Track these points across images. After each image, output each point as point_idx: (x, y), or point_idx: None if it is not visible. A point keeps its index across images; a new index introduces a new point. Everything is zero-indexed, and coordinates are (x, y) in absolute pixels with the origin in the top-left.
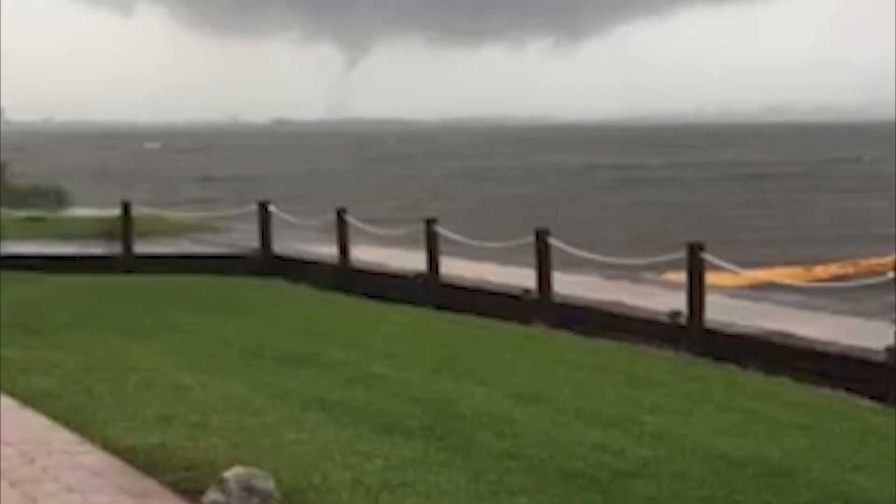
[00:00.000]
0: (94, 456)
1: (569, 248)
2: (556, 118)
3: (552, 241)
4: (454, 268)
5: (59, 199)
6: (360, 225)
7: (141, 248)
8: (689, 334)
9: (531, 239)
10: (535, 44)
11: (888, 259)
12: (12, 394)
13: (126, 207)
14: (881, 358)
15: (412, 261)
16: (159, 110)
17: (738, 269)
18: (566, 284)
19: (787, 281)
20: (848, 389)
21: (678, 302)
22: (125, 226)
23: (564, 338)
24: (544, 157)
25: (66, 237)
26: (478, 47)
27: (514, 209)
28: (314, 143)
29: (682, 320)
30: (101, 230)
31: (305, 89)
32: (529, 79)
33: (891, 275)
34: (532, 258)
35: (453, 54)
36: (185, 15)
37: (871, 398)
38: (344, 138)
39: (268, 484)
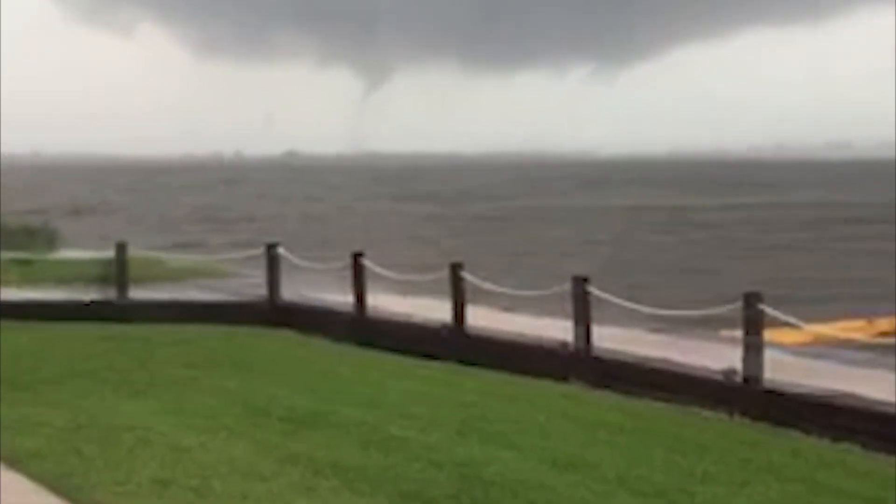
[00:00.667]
0: None
1: (612, 298)
2: (599, 152)
3: (593, 289)
4: (482, 318)
5: (50, 239)
6: (378, 270)
7: (137, 293)
8: (746, 395)
9: (568, 287)
10: (577, 70)
11: None
12: None
13: (121, 249)
14: None
15: (436, 310)
16: (156, 142)
17: (800, 324)
18: (608, 338)
19: (852, 335)
20: None
21: (733, 359)
22: (120, 269)
23: (605, 397)
24: (586, 197)
25: (56, 281)
26: (513, 74)
27: (552, 254)
28: (330, 178)
29: (738, 379)
30: (94, 274)
31: (321, 119)
32: (570, 108)
33: None
34: (570, 308)
35: (485, 82)
36: (187, 38)
37: None
38: (363, 173)
39: None
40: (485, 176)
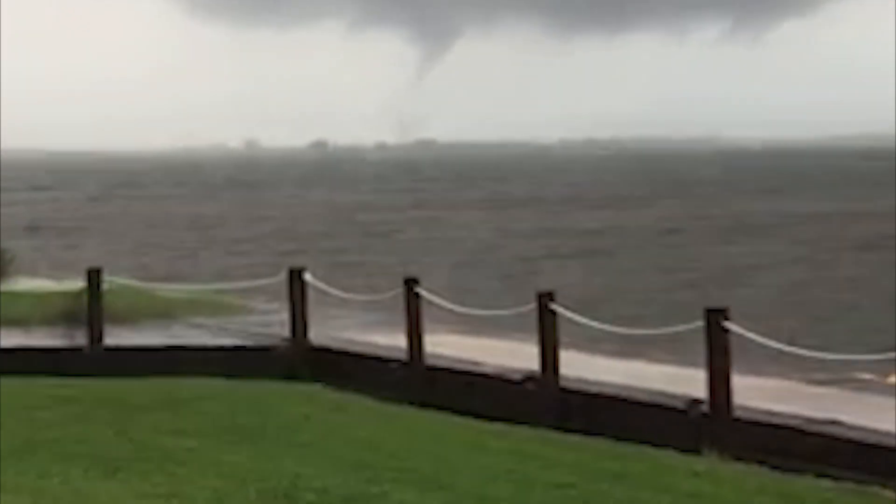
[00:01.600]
0: None
1: (755, 338)
2: (724, 138)
3: (731, 326)
4: (583, 367)
5: (2, 265)
6: (438, 301)
7: (114, 337)
8: None
9: (700, 324)
10: (702, 31)
11: None
12: None
13: (94, 277)
14: None
15: (519, 356)
16: (146, 133)
17: None
18: (754, 392)
19: None
20: None
21: None
22: (93, 304)
23: (751, 474)
24: (729, 202)
25: (7, 322)
26: (613, 37)
27: (680, 279)
28: (369, 175)
29: None
30: (58, 312)
31: (357, 99)
32: (690, 82)
33: None
34: (701, 351)
35: (578, 47)
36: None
37: None
38: (415, 171)
39: None
40: (587, 172)
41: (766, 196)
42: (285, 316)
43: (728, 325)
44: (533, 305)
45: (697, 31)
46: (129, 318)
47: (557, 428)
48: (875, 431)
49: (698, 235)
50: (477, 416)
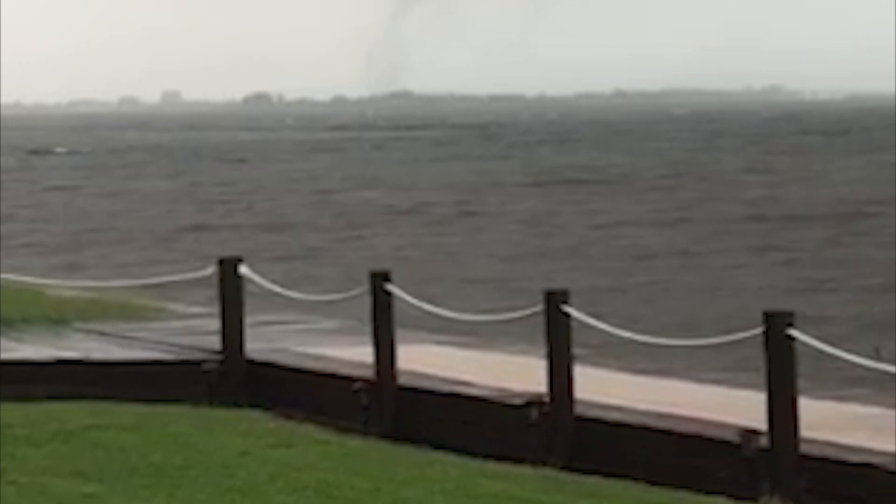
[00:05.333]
0: None
1: (836, 352)
2: (801, 93)
3: (798, 334)
4: (602, 387)
5: None
6: (412, 300)
7: None
8: None
9: (757, 331)
10: None
11: None
12: None
13: None
14: None
15: (515, 374)
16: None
17: None
18: (821, 420)
19: None
20: None
21: None
22: None
23: None
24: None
25: None
26: None
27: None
28: (331, 141)
29: None
30: None
31: (314, 43)
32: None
33: None
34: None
35: None
36: None
37: None
38: (393, 130)
39: None
40: (649, 135)
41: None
42: (215, 322)
43: (795, 333)
44: (539, 308)
45: None
46: (9, 324)
47: (573, 467)
48: None
49: None
50: (465, 452)
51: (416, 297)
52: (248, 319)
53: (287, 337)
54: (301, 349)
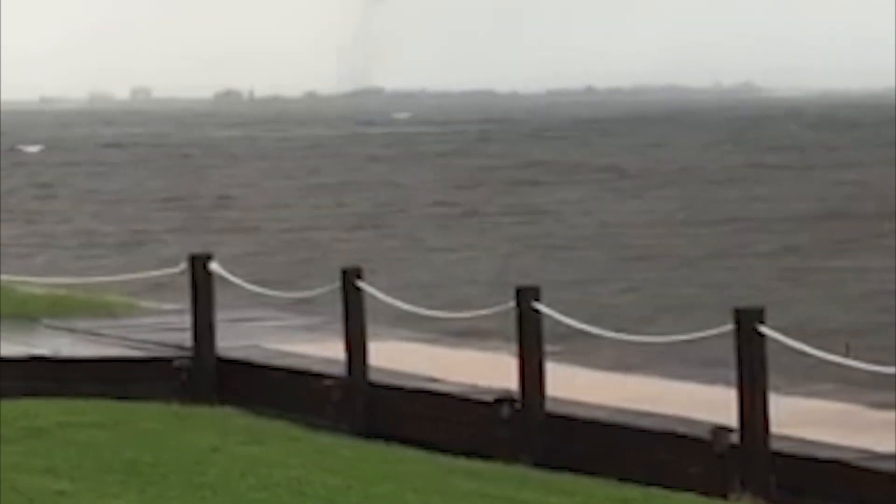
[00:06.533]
0: None
1: (810, 349)
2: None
3: (767, 331)
4: (570, 383)
5: None
6: (384, 298)
7: None
8: None
9: (729, 328)
10: None
11: None
12: None
13: None
14: None
15: (489, 372)
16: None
17: None
18: (793, 417)
19: None
20: None
21: None
22: None
23: None
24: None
25: None
26: None
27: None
28: (302, 138)
29: None
30: None
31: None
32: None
33: None
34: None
35: None
36: None
37: None
38: (356, 126)
39: None
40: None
41: None
42: (186, 318)
43: (765, 330)
44: (511, 304)
45: None
46: None
47: (546, 465)
48: None
49: None
50: (436, 448)
51: (414, 297)
52: (221, 316)
53: (259, 334)
54: (273, 346)
